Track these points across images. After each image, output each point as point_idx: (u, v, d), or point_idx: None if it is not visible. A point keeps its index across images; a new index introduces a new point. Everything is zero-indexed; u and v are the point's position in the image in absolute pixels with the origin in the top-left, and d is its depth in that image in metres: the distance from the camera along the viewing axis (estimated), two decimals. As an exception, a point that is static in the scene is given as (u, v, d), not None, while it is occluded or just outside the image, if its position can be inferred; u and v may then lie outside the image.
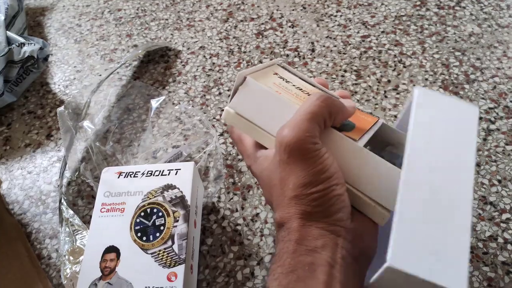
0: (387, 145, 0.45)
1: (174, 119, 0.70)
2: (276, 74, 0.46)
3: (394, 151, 0.44)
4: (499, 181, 0.57)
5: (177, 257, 0.48)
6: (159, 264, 0.48)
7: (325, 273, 0.33)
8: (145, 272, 0.48)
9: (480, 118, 0.64)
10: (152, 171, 0.55)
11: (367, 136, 0.41)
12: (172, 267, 0.48)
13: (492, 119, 0.64)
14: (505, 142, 0.61)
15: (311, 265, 0.33)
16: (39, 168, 0.67)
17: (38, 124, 0.72)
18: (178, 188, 0.53)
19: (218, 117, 0.69)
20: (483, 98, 0.66)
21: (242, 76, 0.41)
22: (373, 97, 0.69)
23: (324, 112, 0.37)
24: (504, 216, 0.54)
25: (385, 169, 0.37)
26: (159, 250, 0.49)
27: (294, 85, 0.45)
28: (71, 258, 0.56)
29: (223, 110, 0.71)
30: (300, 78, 0.47)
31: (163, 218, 0.51)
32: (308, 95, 0.44)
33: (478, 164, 0.59)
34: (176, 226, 0.50)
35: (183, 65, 0.77)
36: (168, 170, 0.55)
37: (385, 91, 0.69)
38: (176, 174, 0.54)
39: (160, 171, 0.55)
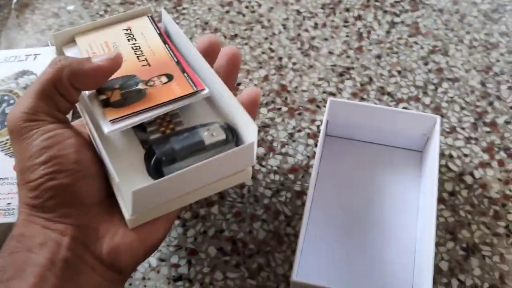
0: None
1: (51, 15, 0.61)
2: (129, 29, 0.40)
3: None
4: (399, 72, 0.54)
5: (27, 146, 0.41)
6: (5, 154, 0.41)
7: (35, 275, 0.27)
8: (-12, 164, 0.41)
9: (385, 12, 0.60)
10: (6, 57, 0.47)
11: (149, 113, 0.33)
12: (19, 157, 0.41)
13: (397, 12, 0.60)
14: (408, 34, 0.57)
15: (22, 265, 0.28)
16: None
17: None
18: (36, 74, 0.46)
19: (102, 12, 0.61)
20: (390, -8, 0.62)
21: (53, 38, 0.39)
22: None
23: (54, 79, 0.31)
24: (401, 105, 0.51)
25: (108, 169, 0.31)
26: (7, 139, 0.42)
27: (133, 45, 0.39)
28: None
29: (108, 5, 0.63)
30: (160, 34, 0.40)
31: (14, 106, 0.44)
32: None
33: (379, 56, 0.55)
34: (29, 114, 0.43)
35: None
36: (25, 55, 0.47)
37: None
38: (34, 59, 0.47)
39: (15, 56, 0.47)
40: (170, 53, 0.38)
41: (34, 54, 0.47)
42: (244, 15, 0.60)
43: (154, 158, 0.32)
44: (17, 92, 0.44)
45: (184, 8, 0.61)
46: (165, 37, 0.40)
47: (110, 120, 0.32)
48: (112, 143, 0.35)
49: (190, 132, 0.34)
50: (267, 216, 0.44)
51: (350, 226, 0.43)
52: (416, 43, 0.56)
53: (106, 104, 0.34)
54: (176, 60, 0.38)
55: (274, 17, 0.60)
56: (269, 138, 0.49)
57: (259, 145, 0.49)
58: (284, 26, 0.59)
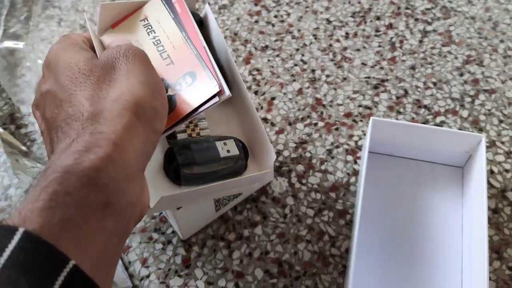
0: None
1: (78, 28, 0.60)
2: (145, 19, 0.40)
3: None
4: (434, 84, 0.53)
5: None
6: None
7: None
8: None
9: (417, 20, 0.59)
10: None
11: (180, 123, 0.35)
12: None
13: (429, 20, 0.59)
14: (441, 44, 0.57)
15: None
16: None
17: None
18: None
19: None
20: (420, -1, 0.61)
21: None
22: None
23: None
24: (438, 119, 0.51)
25: None
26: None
27: (153, 39, 0.39)
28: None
29: None
30: (174, 19, 0.39)
31: None
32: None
33: (413, 67, 0.55)
34: None
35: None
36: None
37: (316, -7, 0.62)
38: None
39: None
40: (188, 43, 0.38)
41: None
42: (273, 25, 0.60)
43: (175, 164, 0.38)
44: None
45: (212, 19, 0.61)
46: (182, 22, 0.39)
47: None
48: None
49: (208, 144, 0.39)
50: (311, 236, 0.44)
51: (396, 245, 0.43)
52: (450, 52, 0.56)
53: None
54: (195, 53, 0.37)
55: (304, 26, 0.59)
56: (308, 155, 0.49)
57: (298, 162, 0.48)
58: (315, 36, 0.58)
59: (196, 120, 0.41)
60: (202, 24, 0.42)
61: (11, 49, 0.57)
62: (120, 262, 0.43)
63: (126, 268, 0.43)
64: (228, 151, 0.39)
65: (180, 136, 0.40)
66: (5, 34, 0.59)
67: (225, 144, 0.39)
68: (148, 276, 0.43)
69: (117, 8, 0.41)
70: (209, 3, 0.62)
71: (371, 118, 0.43)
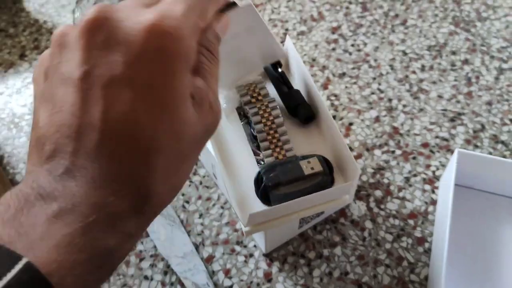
0: None
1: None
2: None
3: None
4: (511, 120, 0.54)
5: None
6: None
7: None
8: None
9: (492, 57, 0.60)
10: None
11: None
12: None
13: (505, 58, 0.60)
14: (518, 82, 0.58)
15: None
16: (12, 90, 0.60)
17: (10, 43, 0.65)
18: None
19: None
20: (495, 37, 0.62)
21: None
22: (380, 31, 0.64)
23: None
24: (517, 155, 0.51)
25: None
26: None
27: None
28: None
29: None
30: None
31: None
32: None
33: (489, 103, 0.56)
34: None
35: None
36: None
37: (392, 25, 0.64)
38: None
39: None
40: None
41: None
42: (350, 54, 0.62)
43: (263, 185, 0.40)
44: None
45: (290, 43, 0.63)
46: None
47: None
48: (232, 160, 0.44)
49: (292, 164, 0.41)
50: (390, 261, 0.45)
51: (476, 280, 0.43)
52: (526, 91, 0.57)
53: None
54: None
55: (380, 56, 0.61)
56: (385, 181, 0.50)
57: (376, 188, 0.50)
58: (391, 66, 0.60)
59: (281, 142, 0.43)
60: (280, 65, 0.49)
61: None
62: (205, 270, 0.45)
63: (211, 277, 0.45)
64: (312, 168, 0.40)
65: (268, 160, 0.42)
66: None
67: (308, 162, 0.41)
68: (231, 287, 0.44)
69: None
70: (287, 29, 0.65)
71: (457, 150, 0.45)
